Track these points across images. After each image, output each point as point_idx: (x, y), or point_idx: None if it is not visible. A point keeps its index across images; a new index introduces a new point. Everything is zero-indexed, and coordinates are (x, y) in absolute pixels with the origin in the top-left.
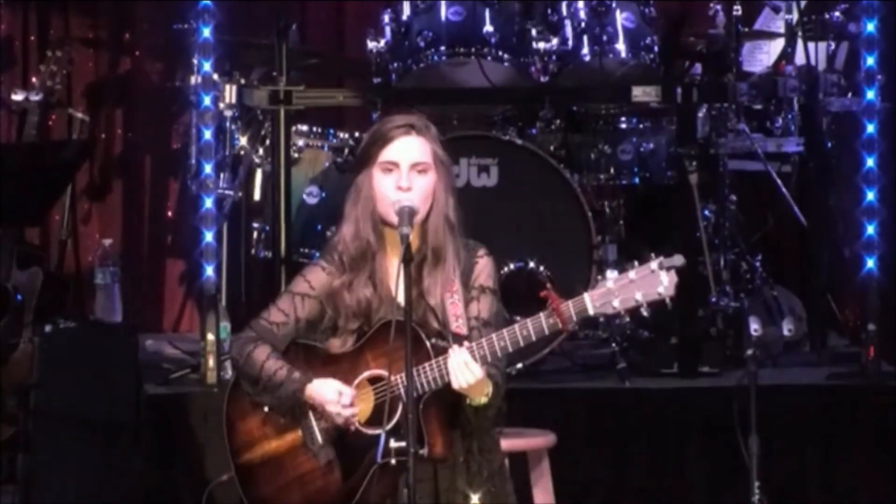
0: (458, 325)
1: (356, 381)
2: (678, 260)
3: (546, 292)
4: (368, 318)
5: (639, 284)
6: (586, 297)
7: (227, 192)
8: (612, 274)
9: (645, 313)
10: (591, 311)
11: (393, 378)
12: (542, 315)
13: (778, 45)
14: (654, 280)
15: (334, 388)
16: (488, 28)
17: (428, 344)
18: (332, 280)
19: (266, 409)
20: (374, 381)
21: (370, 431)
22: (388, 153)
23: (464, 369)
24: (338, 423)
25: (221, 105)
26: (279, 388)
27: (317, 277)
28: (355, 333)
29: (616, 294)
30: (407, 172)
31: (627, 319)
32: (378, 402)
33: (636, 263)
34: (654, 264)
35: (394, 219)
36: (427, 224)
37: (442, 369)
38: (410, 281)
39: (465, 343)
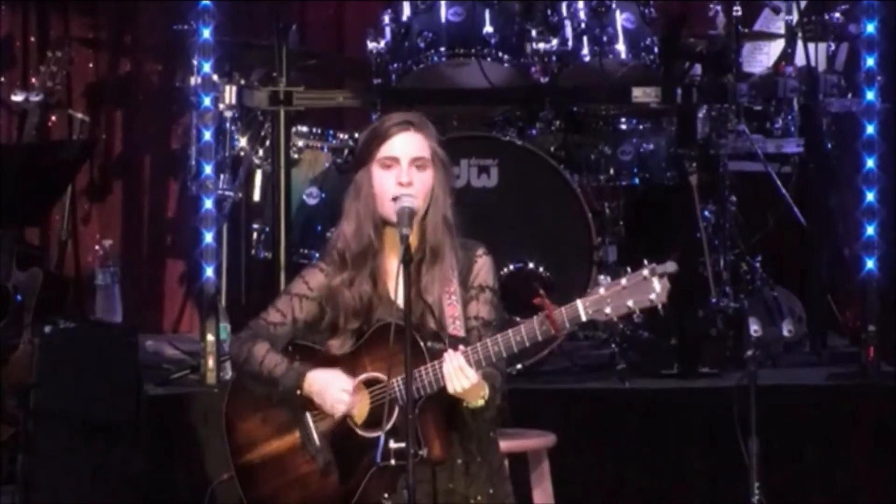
0: (456, 327)
1: (353, 384)
2: (670, 267)
3: (539, 299)
4: (368, 316)
5: (631, 291)
6: (579, 303)
7: (226, 192)
8: (604, 281)
9: (637, 319)
10: (583, 318)
11: (389, 381)
12: (535, 321)
13: (778, 46)
14: (647, 287)
15: (334, 375)
16: (488, 29)
17: (424, 347)
18: (330, 280)
19: (265, 409)
20: (370, 383)
21: (367, 434)
22: (388, 149)
23: (459, 374)
24: (335, 414)
25: (221, 106)
26: (280, 381)
27: (315, 279)
28: (354, 334)
29: (608, 301)
30: (407, 167)
31: (621, 326)
32: (374, 405)
33: (629, 270)
34: (646, 271)
35: (394, 216)
36: (425, 222)
37: (437, 373)
38: (410, 283)
39: (461, 347)
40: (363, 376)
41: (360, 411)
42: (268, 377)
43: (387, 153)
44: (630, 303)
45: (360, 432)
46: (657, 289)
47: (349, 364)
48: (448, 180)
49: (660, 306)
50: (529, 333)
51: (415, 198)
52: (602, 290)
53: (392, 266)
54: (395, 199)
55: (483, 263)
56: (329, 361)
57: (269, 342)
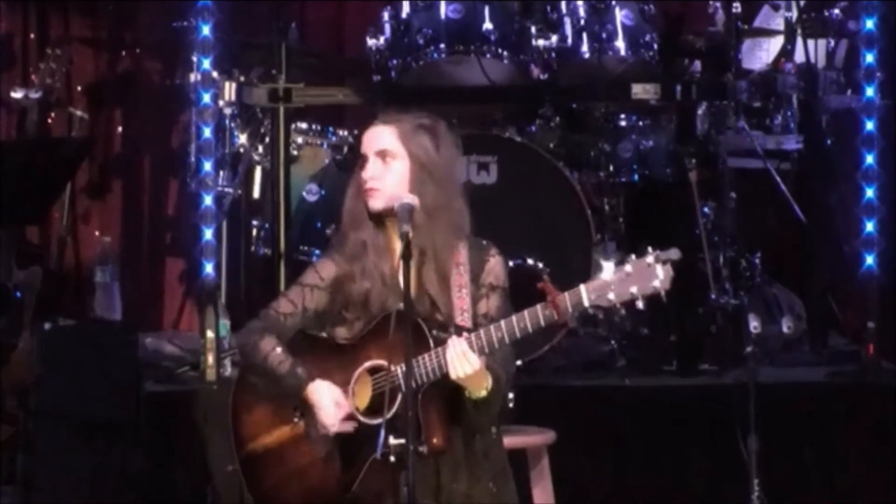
0: (463, 319)
1: (357, 372)
2: (674, 253)
3: (543, 284)
4: (376, 306)
5: (635, 277)
6: (582, 289)
7: (226, 189)
8: (608, 266)
9: (640, 306)
10: (586, 303)
11: (392, 368)
12: (538, 307)
13: (777, 43)
14: (650, 273)
15: (333, 398)
16: (488, 25)
17: (429, 335)
18: (341, 271)
19: (271, 400)
20: (374, 371)
21: (369, 421)
22: (361, 147)
23: (462, 359)
24: (326, 429)
25: (221, 103)
26: (281, 381)
27: (327, 269)
28: (360, 323)
29: (612, 287)
30: (372, 161)
31: (623, 312)
32: (377, 393)
33: (633, 256)
34: (650, 258)
35: (374, 208)
36: (415, 217)
37: (441, 359)
38: (409, 277)
39: (464, 333)
40: (367, 364)
41: (363, 398)
42: (270, 374)
43: (362, 150)
44: (634, 289)
45: (362, 419)
46: (661, 275)
47: (354, 352)
48: (429, 171)
49: (663, 293)
50: (533, 319)
51: (377, 192)
52: (606, 276)
53: (397, 257)
54: (366, 191)
55: (495, 263)
56: (335, 350)
57: (277, 335)
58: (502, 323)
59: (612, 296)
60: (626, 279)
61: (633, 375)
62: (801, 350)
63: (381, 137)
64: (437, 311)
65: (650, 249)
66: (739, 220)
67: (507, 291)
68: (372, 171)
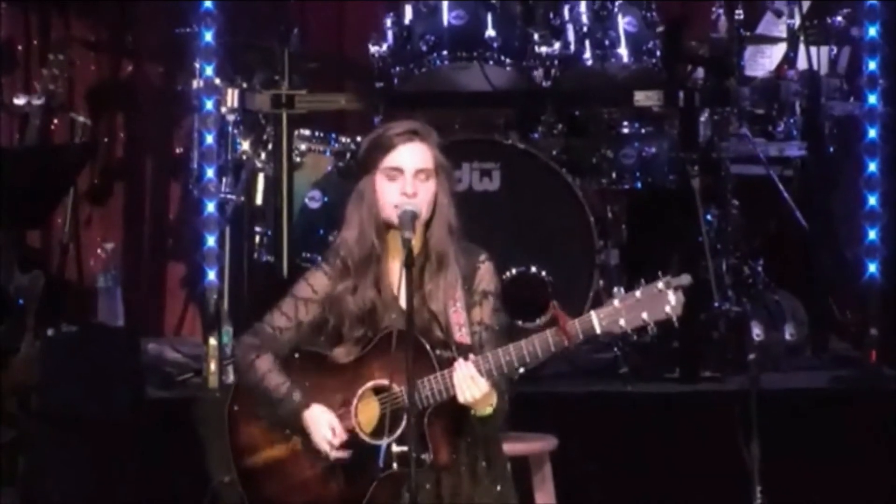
0: (462, 335)
1: (361, 391)
2: (685, 279)
3: (554, 310)
4: (373, 322)
5: (645, 304)
6: (593, 315)
7: (229, 196)
8: (618, 293)
9: (651, 331)
10: (598, 330)
11: (397, 388)
12: (548, 333)
13: (780, 50)
14: (662, 299)
15: (329, 423)
16: (490, 32)
17: (433, 356)
18: (334, 284)
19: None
20: (379, 390)
21: (374, 442)
22: (392, 159)
23: (470, 384)
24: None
25: (223, 109)
26: (278, 405)
27: (319, 281)
28: (360, 341)
29: (623, 313)
30: (412, 179)
31: (635, 338)
32: (384, 413)
33: (643, 282)
34: (661, 284)
35: (396, 220)
36: (430, 230)
37: (447, 382)
38: (412, 285)
39: (471, 357)
40: (371, 384)
41: (369, 419)
42: (265, 397)
43: (391, 164)
44: (645, 315)
45: (367, 440)
46: (672, 301)
47: (356, 372)
48: (450, 187)
49: (675, 318)
50: (543, 345)
51: (418, 207)
52: (617, 303)
53: (396, 271)
54: (397, 206)
55: (486, 269)
56: (336, 369)
57: (273, 352)
58: (511, 347)
59: (623, 322)
60: (636, 305)
61: (635, 382)
62: (804, 356)
63: (421, 156)
64: (435, 324)
65: (661, 275)
66: (742, 227)
67: (499, 297)
68: (413, 189)
